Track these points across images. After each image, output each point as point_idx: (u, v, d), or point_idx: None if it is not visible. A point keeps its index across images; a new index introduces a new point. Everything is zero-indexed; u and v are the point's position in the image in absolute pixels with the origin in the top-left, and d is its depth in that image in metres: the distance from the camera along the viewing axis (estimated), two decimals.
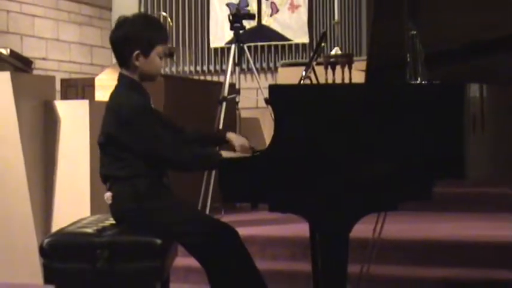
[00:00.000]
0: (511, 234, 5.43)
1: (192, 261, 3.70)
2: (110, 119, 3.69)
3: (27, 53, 8.08)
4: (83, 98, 7.48)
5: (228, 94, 6.80)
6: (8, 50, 6.03)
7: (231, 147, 3.83)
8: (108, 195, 3.70)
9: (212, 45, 10.19)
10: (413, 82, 3.38)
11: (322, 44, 4.46)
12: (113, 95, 3.75)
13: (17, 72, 5.89)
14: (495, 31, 3.83)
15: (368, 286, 4.18)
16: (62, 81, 8.90)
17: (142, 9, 10.38)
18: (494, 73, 3.59)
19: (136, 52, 3.68)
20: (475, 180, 3.28)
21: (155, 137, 3.60)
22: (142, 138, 3.60)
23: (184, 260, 3.81)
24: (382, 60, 3.73)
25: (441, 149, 3.19)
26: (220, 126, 6.63)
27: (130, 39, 3.70)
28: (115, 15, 10.41)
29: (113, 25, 3.87)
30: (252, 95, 8.92)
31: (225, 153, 3.56)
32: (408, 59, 3.37)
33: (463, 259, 5.09)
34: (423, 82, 3.35)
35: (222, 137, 3.94)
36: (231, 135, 3.90)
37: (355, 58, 6.81)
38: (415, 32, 3.36)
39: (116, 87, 3.77)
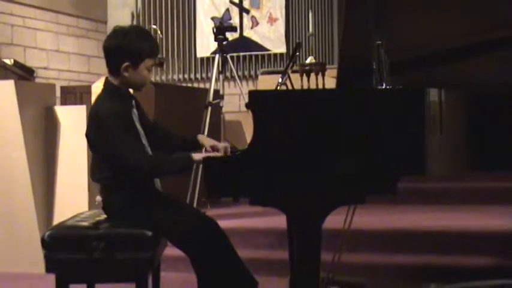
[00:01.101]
0: (467, 223, 5.47)
1: (180, 252, 3.70)
2: (89, 124, 3.67)
3: (29, 63, 8.03)
4: (81, 103, 7.44)
5: (213, 99, 6.80)
6: (12, 60, 6.02)
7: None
8: (98, 199, 3.71)
9: (198, 55, 10.18)
10: (378, 87, 3.39)
11: (297, 54, 4.47)
12: (95, 101, 3.72)
13: (20, 80, 5.87)
14: (452, 41, 3.86)
15: (340, 273, 4.19)
16: (62, 88, 8.86)
17: (135, 23, 10.35)
18: (452, 79, 3.61)
19: (126, 64, 3.60)
20: (435, 176, 3.29)
21: (119, 141, 3.48)
22: (108, 141, 3.51)
23: (173, 250, 3.80)
24: (351, 68, 3.73)
25: (404, 148, 3.20)
26: (206, 129, 6.62)
27: (122, 50, 3.61)
28: (110, 28, 10.33)
29: None
30: (235, 100, 8.94)
31: (208, 154, 3.54)
32: (374, 67, 3.38)
33: (425, 247, 5.11)
34: (387, 87, 3.36)
35: (196, 141, 3.84)
36: (200, 137, 3.83)
37: (328, 66, 6.74)
38: (380, 42, 3.37)
39: (100, 92, 3.71)
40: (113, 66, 3.66)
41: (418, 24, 3.85)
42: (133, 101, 3.77)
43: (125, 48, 3.62)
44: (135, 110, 3.74)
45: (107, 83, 3.72)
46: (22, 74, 6.02)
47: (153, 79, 9.68)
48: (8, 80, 5.71)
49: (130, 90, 3.79)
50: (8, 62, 5.95)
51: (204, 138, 3.85)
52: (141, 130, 3.73)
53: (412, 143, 3.20)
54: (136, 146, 3.57)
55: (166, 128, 3.99)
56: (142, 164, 3.52)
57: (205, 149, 3.76)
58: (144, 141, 3.72)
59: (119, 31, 3.68)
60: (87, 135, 3.67)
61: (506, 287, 4.16)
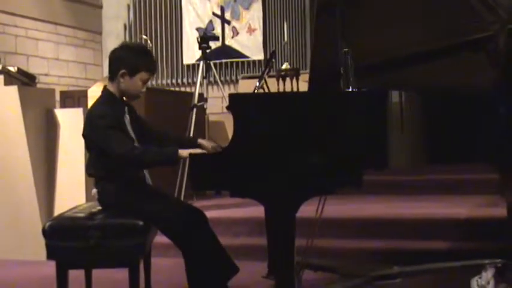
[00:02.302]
0: (428, 211, 5.50)
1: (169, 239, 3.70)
2: (84, 124, 3.69)
3: (32, 70, 7.98)
4: (78, 106, 7.37)
5: (198, 102, 6.80)
6: (16, 68, 6.00)
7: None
8: (94, 191, 3.71)
9: (185, 62, 10.16)
10: (345, 90, 3.39)
11: (272, 60, 4.47)
12: (92, 105, 3.76)
13: (23, 86, 5.85)
14: (408, 49, 3.88)
15: (312, 256, 4.20)
16: (61, 93, 8.81)
17: (127, 34, 10.32)
18: (411, 82, 3.62)
19: (123, 71, 3.65)
20: (397, 169, 3.31)
21: (108, 136, 3.51)
22: (99, 137, 3.55)
23: (163, 238, 3.80)
24: (322, 73, 3.74)
25: (369, 145, 3.21)
26: (192, 129, 6.61)
27: (123, 59, 3.67)
28: (105, 39, 10.35)
29: (103, 47, 3.85)
30: (218, 102, 8.93)
31: (193, 151, 3.52)
32: (341, 72, 3.39)
33: (389, 233, 5.14)
34: (353, 90, 3.36)
35: (194, 142, 3.83)
36: (201, 141, 3.82)
37: (301, 71, 6.75)
38: (346, 50, 3.38)
39: (98, 98, 3.75)
40: (113, 72, 3.70)
41: (379, 34, 3.86)
42: (126, 108, 3.77)
43: (125, 57, 3.68)
44: (127, 115, 3.75)
45: (104, 89, 3.77)
46: (25, 80, 6.00)
47: None
48: (12, 86, 5.70)
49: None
50: (12, 69, 5.93)
51: (205, 142, 3.82)
52: (131, 133, 3.73)
53: (376, 140, 3.21)
54: (124, 139, 3.57)
55: (163, 132, 3.99)
56: (129, 153, 3.50)
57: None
58: (135, 143, 3.71)
59: (124, 45, 3.79)
60: (83, 134, 3.69)
61: (463, 268, 4.18)
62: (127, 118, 3.74)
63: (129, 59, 3.68)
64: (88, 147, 3.75)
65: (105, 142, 3.52)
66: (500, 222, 4.57)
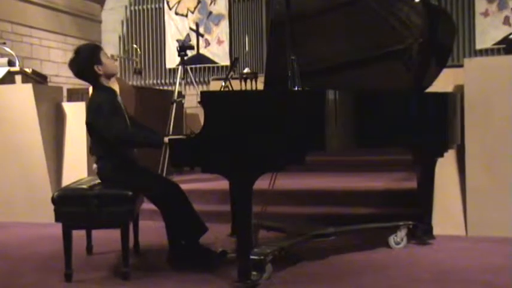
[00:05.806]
0: (356, 184, 5.54)
1: (154, 206, 3.68)
2: (87, 113, 3.62)
3: (44, 71, 7.84)
4: (82, 101, 7.23)
5: (177, 98, 6.73)
6: (31, 70, 5.92)
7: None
8: (94, 167, 3.69)
9: (167, 66, 10.06)
10: (292, 89, 3.38)
11: (235, 66, 4.45)
12: (89, 98, 3.71)
13: (37, 84, 5.77)
14: (342, 58, 3.89)
15: (266, 219, 4.20)
16: (68, 90, 8.64)
17: (121, 44, 10.20)
18: (344, 84, 3.62)
19: (95, 65, 3.60)
20: (332, 152, 3.31)
21: (106, 120, 3.48)
22: (99, 121, 3.50)
23: (149, 206, 3.78)
24: (274, 76, 3.72)
25: (311, 132, 3.21)
26: (172, 120, 6.55)
27: (86, 61, 3.61)
28: (103, 48, 10.18)
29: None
30: (193, 99, 8.86)
31: (172, 137, 3.50)
32: (289, 75, 3.37)
33: (326, 201, 5.17)
34: (298, 89, 3.35)
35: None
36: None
37: (259, 74, 6.77)
38: (293, 57, 3.37)
39: (92, 92, 3.70)
40: (90, 73, 3.63)
41: (321, 46, 3.86)
42: (114, 92, 3.72)
43: (86, 58, 3.62)
44: (119, 98, 3.70)
45: (93, 87, 3.69)
46: (38, 79, 5.91)
47: (134, 83, 9.58)
48: (28, 84, 5.64)
49: (116, 89, 3.75)
50: (28, 70, 5.85)
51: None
52: (125, 113, 3.70)
53: (316, 128, 3.21)
54: (120, 122, 3.55)
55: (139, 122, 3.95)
56: (122, 134, 3.49)
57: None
58: (128, 121, 3.68)
59: (75, 55, 3.66)
60: (86, 122, 3.62)
61: (383, 228, 4.23)
62: (119, 101, 3.70)
63: (87, 56, 3.60)
64: (90, 133, 3.68)
65: (107, 127, 3.46)
66: (411, 193, 4.63)
